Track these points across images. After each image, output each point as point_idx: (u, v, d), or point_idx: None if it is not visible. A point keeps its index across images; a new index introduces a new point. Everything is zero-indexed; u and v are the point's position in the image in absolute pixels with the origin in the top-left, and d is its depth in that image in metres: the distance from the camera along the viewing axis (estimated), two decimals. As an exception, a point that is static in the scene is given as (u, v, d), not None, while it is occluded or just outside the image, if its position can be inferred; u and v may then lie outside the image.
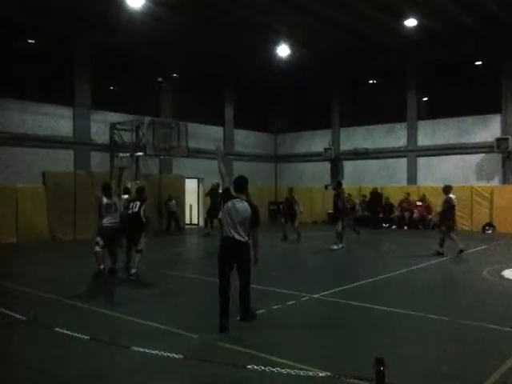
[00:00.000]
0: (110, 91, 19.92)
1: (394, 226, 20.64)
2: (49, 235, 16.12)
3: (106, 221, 9.45)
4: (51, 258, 12.77)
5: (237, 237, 6.02)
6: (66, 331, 5.21)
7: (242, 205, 6.07)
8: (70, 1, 15.70)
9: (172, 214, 19.69)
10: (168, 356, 4.04)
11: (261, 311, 6.83)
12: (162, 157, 19.05)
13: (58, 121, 17.28)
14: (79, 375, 4.67)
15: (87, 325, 6.20)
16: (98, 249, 9.32)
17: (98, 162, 18.21)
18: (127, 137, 18.52)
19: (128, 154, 18.42)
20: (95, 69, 18.21)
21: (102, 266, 9.40)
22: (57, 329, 5.35)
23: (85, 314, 6.88)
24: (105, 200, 9.52)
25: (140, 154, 18.00)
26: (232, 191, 6.23)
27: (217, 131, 23.12)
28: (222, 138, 23.40)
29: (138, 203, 9.66)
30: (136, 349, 4.36)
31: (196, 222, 22.35)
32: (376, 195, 21.06)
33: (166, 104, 20.83)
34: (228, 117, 23.69)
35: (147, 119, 17.79)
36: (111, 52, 18.51)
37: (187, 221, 21.75)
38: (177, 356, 4.04)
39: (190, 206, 22.24)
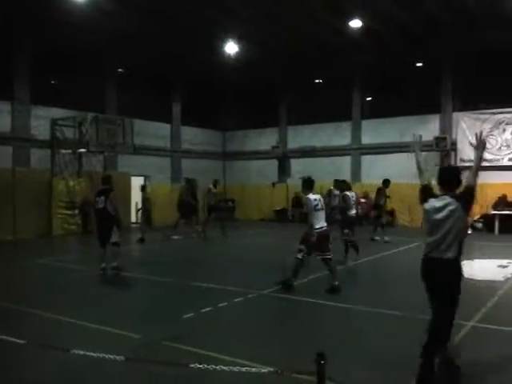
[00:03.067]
0: (52, 86, 19.19)
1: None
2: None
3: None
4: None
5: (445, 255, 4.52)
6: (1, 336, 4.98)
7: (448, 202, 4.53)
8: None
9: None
10: (109, 358, 3.95)
11: (207, 309, 6.82)
12: (106, 153, 18.55)
13: (-6, 116, 16.50)
14: (15, 382, 4.48)
15: (23, 328, 5.95)
16: None
17: (39, 158, 17.54)
18: (70, 133, 17.94)
19: (70, 151, 17.85)
20: (36, 62, 17.47)
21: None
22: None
23: (20, 317, 6.60)
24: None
25: (83, 150, 17.49)
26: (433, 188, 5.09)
27: (164, 128, 22.81)
28: (169, 135, 23.11)
29: (103, 197, 9.38)
30: (76, 352, 4.23)
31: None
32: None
33: (111, 100, 20.31)
34: (175, 113, 23.41)
35: (90, 115, 17.31)
36: (54, 45, 17.75)
37: (133, 219, 21.30)
38: (118, 358, 3.95)
39: (136, 203, 21.78)
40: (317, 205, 7.91)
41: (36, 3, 15.60)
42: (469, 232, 17.55)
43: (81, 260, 12.02)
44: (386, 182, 15.29)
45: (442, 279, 4.49)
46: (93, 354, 4.08)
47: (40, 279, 9.60)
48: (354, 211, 11.10)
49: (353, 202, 11.12)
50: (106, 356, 4.01)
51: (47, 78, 18.69)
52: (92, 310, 6.99)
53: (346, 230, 10.82)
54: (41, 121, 17.67)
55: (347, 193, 11.25)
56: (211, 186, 16.18)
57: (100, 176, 18.73)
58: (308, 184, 8.26)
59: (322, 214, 7.97)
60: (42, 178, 17.10)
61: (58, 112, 18.05)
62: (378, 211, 15.08)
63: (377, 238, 14.85)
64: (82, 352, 4.11)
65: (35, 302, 7.37)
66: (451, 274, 4.53)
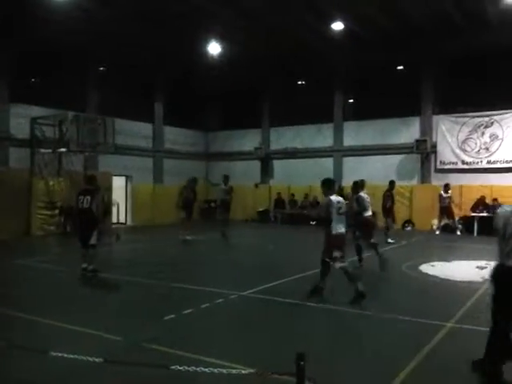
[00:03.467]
0: (32, 84, 18.90)
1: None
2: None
3: None
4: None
5: None
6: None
7: None
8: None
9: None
10: (88, 360, 3.90)
11: (188, 311, 6.79)
12: (86, 153, 18.31)
13: (-28, 114, 16.19)
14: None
15: (1, 330, 5.85)
16: None
17: (18, 157, 17.25)
18: (50, 132, 17.69)
19: (50, 150, 17.60)
20: (16, 60, 17.19)
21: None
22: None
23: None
24: None
25: (63, 150, 17.26)
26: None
27: (146, 128, 22.66)
28: (152, 135, 22.97)
29: (89, 197, 9.32)
30: (54, 354, 4.16)
31: (123, 221, 21.76)
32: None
33: (92, 99, 20.08)
34: (157, 113, 23.26)
35: (71, 114, 17.10)
36: (33, 43, 17.45)
37: (114, 219, 21.11)
38: (97, 360, 3.91)
39: (118, 204, 21.62)
40: (340, 207, 7.47)
41: (16, 1, 15.34)
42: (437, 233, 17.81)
43: (61, 261, 11.85)
44: (392, 184, 15.42)
45: None
46: (71, 356, 4.03)
47: (19, 280, 9.46)
48: (369, 212, 10.39)
49: (367, 204, 10.33)
50: (85, 358, 3.97)
51: (27, 77, 18.40)
52: (72, 312, 6.88)
53: (358, 233, 10.29)
54: (20, 119, 17.38)
55: (361, 194, 10.43)
56: (222, 183, 16.08)
57: (80, 176, 18.75)
58: (328, 184, 7.83)
59: (343, 218, 7.57)
60: (21, 177, 16.82)
61: (37, 111, 17.78)
62: (385, 214, 15.05)
63: (390, 240, 14.64)
64: (60, 354, 4.05)
65: (14, 304, 7.24)
66: None
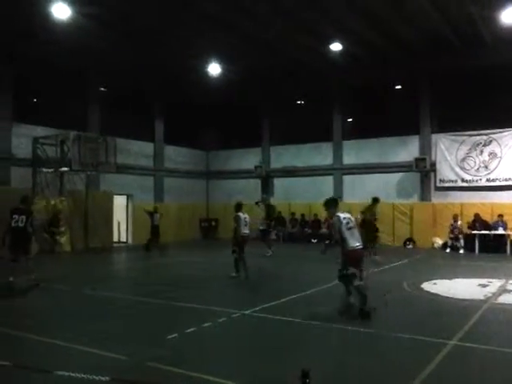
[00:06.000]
0: (34, 104, 19.11)
1: (327, 242, 21.12)
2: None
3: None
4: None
5: None
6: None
7: None
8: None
9: (156, 228, 17.96)
10: (94, 379, 3.92)
11: (191, 329, 6.79)
12: (88, 172, 18.43)
13: (-25, 134, 16.32)
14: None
15: (5, 350, 5.85)
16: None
17: (20, 177, 17.33)
18: (51, 151, 17.83)
19: (52, 170, 17.70)
20: (18, 80, 17.43)
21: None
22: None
23: (1, 339, 6.49)
24: None
25: (65, 169, 17.37)
26: None
27: (147, 147, 22.81)
28: (152, 154, 23.11)
29: (24, 217, 9.96)
30: (60, 373, 4.18)
31: (124, 240, 21.76)
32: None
33: (94, 118, 20.27)
34: (158, 133, 23.45)
35: (73, 134, 17.25)
36: (35, 63, 17.74)
37: (115, 238, 21.12)
38: (103, 378, 3.93)
39: (119, 223, 21.65)
40: (348, 223, 7.51)
41: (19, 21, 15.59)
42: (447, 251, 17.88)
43: (65, 280, 11.83)
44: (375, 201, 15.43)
45: None
46: (77, 375, 4.05)
47: (21, 300, 9.42)
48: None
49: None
50: (91, 377, 3.99)
51: (29, 97, 18.62)
52: (74, 331, 6.88)
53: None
54: (22, 139, 17.54)
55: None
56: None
57: (82, 195, 18.84)
58: (333, 203, 7.92)
59: (355, 233, 7.59)
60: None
61: (39, 130, 17.95)
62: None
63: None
64: (66, 373, 4.07)
65: (14, 323, 7.23)
66: None
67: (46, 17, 14.56)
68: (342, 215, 7.60)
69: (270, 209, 18.32)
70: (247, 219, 11.94)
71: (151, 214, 17.89)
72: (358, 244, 7.54)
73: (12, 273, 9.86)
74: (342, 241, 7.47)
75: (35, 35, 16.25)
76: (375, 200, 15.44)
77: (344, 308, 7.76)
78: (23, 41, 16.74)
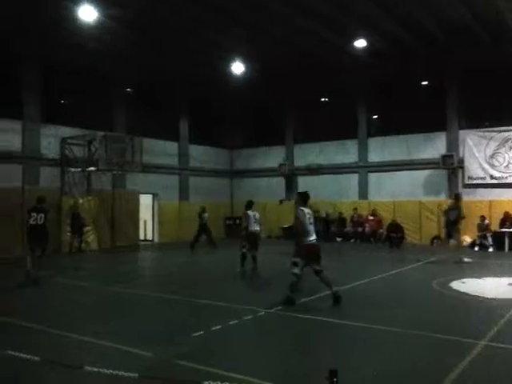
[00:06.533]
0: (62, 105, 19.49)
1: (352, 240, 21.03)
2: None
3: None
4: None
5: None
6: (14, 353, 5.00)
7: None
8: (19, 13, 15.30)
9: (204, 226, 18.02)
10: (123, 375, 3.97)
11: (217, 327, 6.82)
12: (115, 172, 18.71)
13: (6, 135, 16.67)
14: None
15: (35, 345, 5.97)
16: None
17: (48, 177, 17.71)
18: (79, 151, 18.16)
19: (79, 169, 18.03)
20: (46, 82, 17.79)
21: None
22: (9, 351, 5.12)
23: (31, 334, 6.63)
24: None
25: (92, 169, 17.65)
26: None
27: (171, 146, 23.01)
28: (177, 153, 23.30)
29: (43, 215, 10.60)
30: (89, 369, 4.25)
31: (150, 238, 22.02)
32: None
33: (120, 118, 20.56)
34: (183, 132, 23.63)
35: (100, 134, 17.52)
36: (63, 65, 18.10)
37: (141, 237, 21.40)
38: (132, 375, 3.97)
39: (145, 221, 21.93)
40: (309, 218, 8.22)
41: (47, 24, 15.94)
42: (475, 249, 17.52)
43: (89, 278, 12.05)
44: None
45: None
46: (106, 371, 4.10)
47: (50, 297, 9.63)
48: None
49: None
50: (120, 373, 4.03)
51: (57, 98, 18.99)
52: (102, 328, 7.00)
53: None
54: (51, 139, 17.90)
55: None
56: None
57: (109, 194, 19.14)
58: (307, 197, 8.62)
59: (313, 228, 8.33)
60: (52, 196, 17.23)
61: (67, 131, 18.28)
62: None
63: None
64: (95, 369, 4.14)
65: (44, 320, 7.39)
66: None
67: (73, 20, 14.85)
68: (306, 210, 8.26)
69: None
70: (257, 217, 12.58)
71: (200, 215, 17.96)
72: (313, 238, 8.21)
73: (32, 266, 10.54)
74: (303, 234, 8.07)
75: (63, 38, 16.59)
76: (457, 196, 15.04)
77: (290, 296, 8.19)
78: (51, 43, 17.09)
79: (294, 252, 8.19)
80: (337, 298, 8.18)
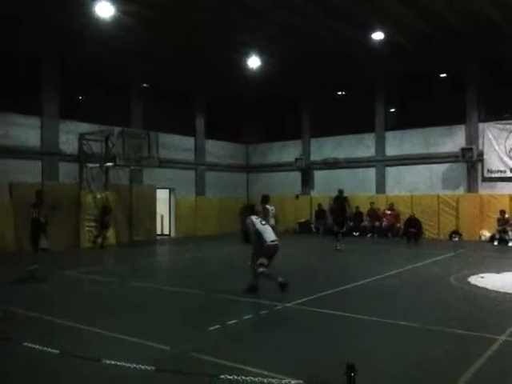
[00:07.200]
0: (80, 101, 19.68)
1: (369, 235, 20.85)
2: (16, 247, 15.63)
3: None
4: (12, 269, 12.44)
5: None
6: (33, 345, 5.08)
7: None
8: (37, 10, 15.46)
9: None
10: (140, 368, 4.00)
11: (233, 321, 6.84)
12: (132, 167, 18.84)
13: (25, 131, 16.93)
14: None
15: (54, 338, 6.07)
16: None
17: (67, 172, 17.92)
18: (97, 147, 18.32)
19: (97, 165, 18.19)
20: (64, 78, 17.97)
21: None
22: (26, 343, 5.21)
23: (50, 327, 6.74)
24: None
25: (110, 164, 17.81)
26: None
27: (188, 141, 23.09)
28: (193, 148, 23.37)
29: (37, 209, 10.82)
30: (108, 362, 4.30)
31: (167, 233, 22.17)
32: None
33: (136, 114, 20.69)
34: (199, 127, 23.67)
35: (117, 129, 17.64)
36: (81, 62, 18.26)
37: (158, 231, 21.56)
38: (149, 368, 4.00)
39: (162, 216, 22.07)
40: (260, 221, 8.86)
41: (65, 20, 16.08)
42: (495, 243, 17.27)
43: (107, 272, 12.18)
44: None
45: None
46: (123, 364, 4.14)
47: (69, 291, 9.78)
48: None
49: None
50: (137, 366, 4.06)
51: (75, 95, 19.18)
52: (120, 321, 7.09)
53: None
54: (69, 135, 18.09)
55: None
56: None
57: (127, 189, 19.30)
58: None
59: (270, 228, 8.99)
60: (70, 191, 17.46)
61: (85, 127, 18.45)
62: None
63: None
64: (113, 362, 4.18)
65: (64, 313, 7.51)
66: None
67: (90, 16, 14.95)
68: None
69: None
70: (273, 211, 13.08)
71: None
72: (275, 239, 8.75)
73: (40, 261, 10.73)
74: (259, 237, 8.54)
75: (81, 34, 16.72)
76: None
77: (249, 287, 8.77)
78: (69, 40, 17.25)
79: (259, 254, 8.54)
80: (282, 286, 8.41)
